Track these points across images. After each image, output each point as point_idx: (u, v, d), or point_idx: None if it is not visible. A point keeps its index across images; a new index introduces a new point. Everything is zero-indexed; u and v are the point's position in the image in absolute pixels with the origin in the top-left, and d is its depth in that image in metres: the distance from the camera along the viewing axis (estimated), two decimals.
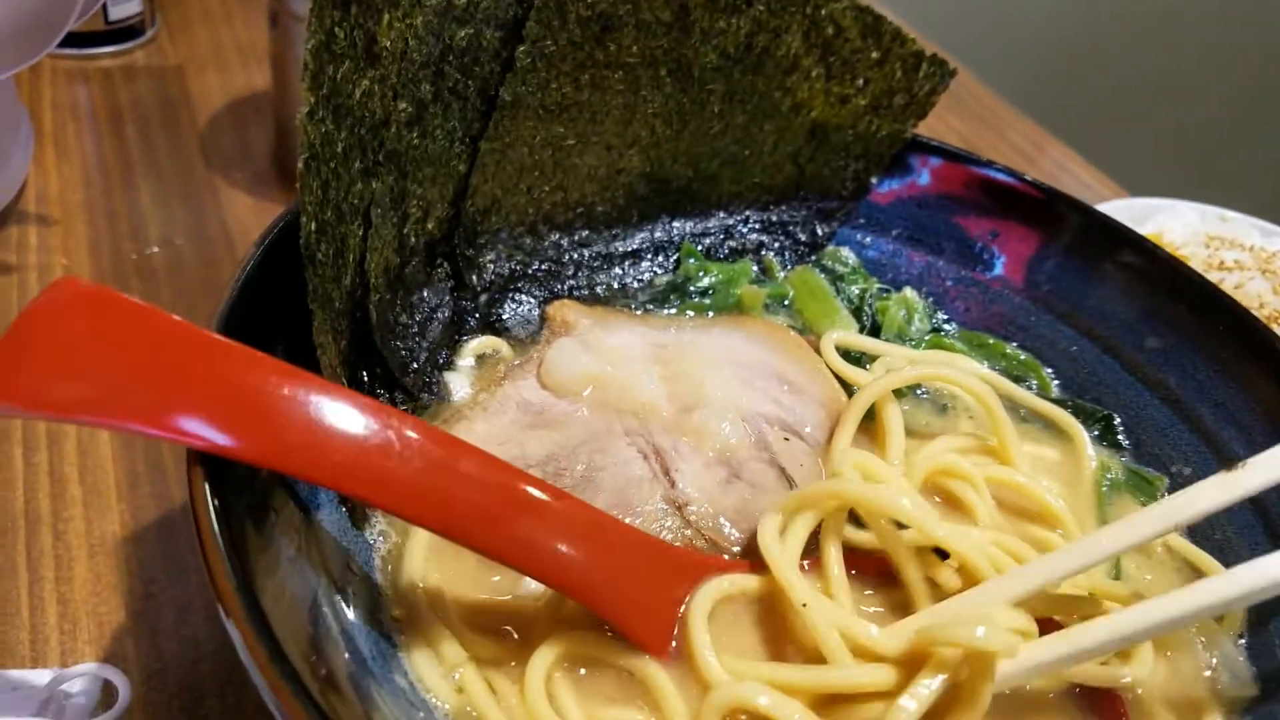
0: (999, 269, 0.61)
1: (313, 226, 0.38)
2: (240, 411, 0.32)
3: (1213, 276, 0.78)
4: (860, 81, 0.58)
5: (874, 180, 0.62)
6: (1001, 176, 0.60)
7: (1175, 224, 0.87)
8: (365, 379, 0.45)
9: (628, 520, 0.42)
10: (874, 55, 0.57)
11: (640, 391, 0.48)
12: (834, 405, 0.51)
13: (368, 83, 0.41)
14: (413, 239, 0.48)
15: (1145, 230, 0.84)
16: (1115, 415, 0.55)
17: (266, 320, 0.39)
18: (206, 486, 0.31)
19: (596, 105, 0.53)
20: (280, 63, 0.77)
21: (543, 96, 0.50)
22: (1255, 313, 0.67)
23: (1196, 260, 0.82)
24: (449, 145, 0.48)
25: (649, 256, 0.60)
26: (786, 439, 0.49)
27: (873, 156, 0.61)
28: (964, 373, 0.54)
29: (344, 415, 0.33)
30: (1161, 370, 0.56)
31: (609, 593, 0.35)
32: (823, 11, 0.55)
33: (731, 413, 0.48)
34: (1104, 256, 0.58)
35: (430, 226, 0.49)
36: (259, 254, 0.40)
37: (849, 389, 0.53)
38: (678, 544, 0.42)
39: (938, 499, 0.47)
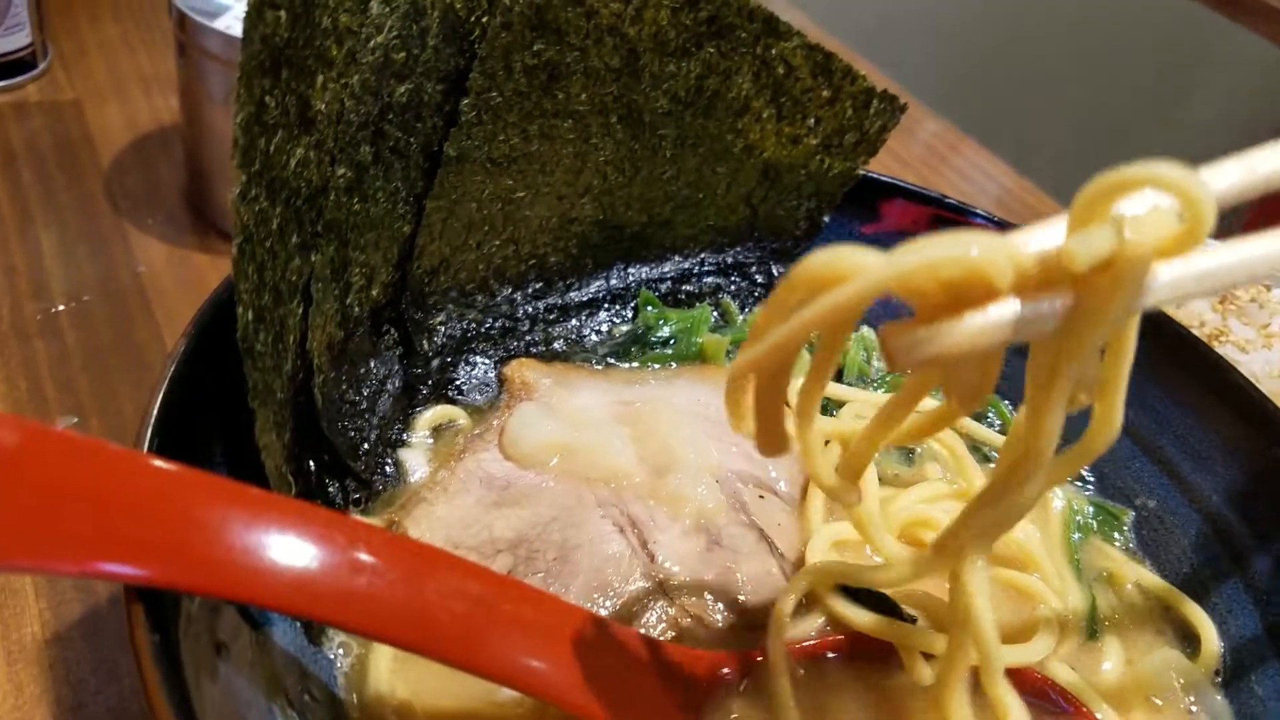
0: None
1: (250, 315, 0.35)
2: (179, 541, 0.28)
3: None
4: (811, 121, 0.57)
5: (826, 219, 0.61)
6: (956, 213, 0.60)
7: None
8: (312, 468, 0.42)
9: (608, 602, 0.40)
10: (825, 94, 0.56)
11: (610, 457, 0.46)
12: None
13: (303, 150, 0.37)
14: (356, 309, 0.44)
15: None
16: None
17: (200, 420, 0.35)
18: (147, 626, 0.28)
19: (546, 155, 0.50)
20: (190, 94, 0.71)
21: (490, 149, 0.48)
22: (1196, 331, 0.69)
23: None
24: (392, 207, 0.45)
25: (606, 305, 0.57)
26: (761, 496, 0.47)
27: (824, 195, 0.60)
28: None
29: (295, 533, 0.30)
30: None
31: (600, 698, 0.33)
32: (773, 51, 0.54)
33: (705, 474, 0.46)
34: None
35: (375, 293, 0.46)
36: (187, 347, 0.36)
37: None
38: (663, 624, 0.41)
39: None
